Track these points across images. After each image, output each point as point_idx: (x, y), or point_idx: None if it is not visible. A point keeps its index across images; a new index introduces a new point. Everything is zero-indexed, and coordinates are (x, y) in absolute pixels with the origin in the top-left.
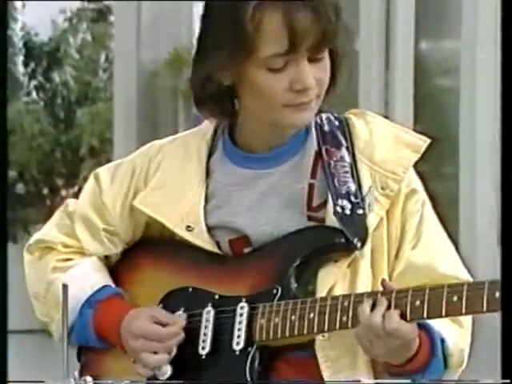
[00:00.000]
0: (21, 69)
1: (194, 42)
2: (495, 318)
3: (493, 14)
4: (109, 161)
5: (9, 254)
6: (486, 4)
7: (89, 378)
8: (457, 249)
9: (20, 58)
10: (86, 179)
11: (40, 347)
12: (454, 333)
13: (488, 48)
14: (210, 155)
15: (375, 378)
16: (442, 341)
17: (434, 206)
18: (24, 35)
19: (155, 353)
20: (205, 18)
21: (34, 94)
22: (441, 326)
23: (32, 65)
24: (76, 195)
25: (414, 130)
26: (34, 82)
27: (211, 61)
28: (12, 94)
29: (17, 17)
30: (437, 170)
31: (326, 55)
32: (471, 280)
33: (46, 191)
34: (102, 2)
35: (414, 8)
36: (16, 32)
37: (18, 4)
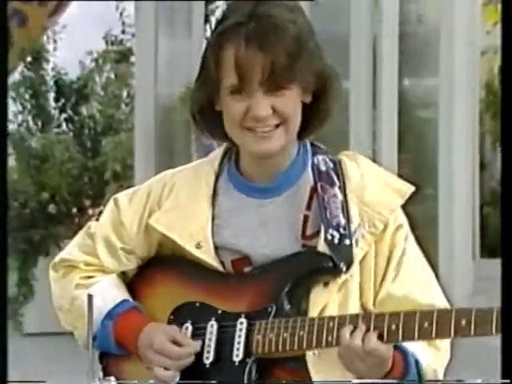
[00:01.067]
0: (52, 104)
1: None
2: None
3: (467, 53)
4: (130, 185)
5: (42, 266)
6: (461, 44)
7: (112, 378)
8: (436, 266)
9: (51, 95)
10: (110, 200)
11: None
12: (429, 355)
13: (463, 83)
14: (217, 179)
15: None
16: (417, 361)
17: (416, 225)
18: (55, 74)
19: (166, 369)
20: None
21: (64, 125)
22: (416, 348)
23: (62, 100)
24: (101, 214)
25: (399, 158)
26: (64, 115)
27: (196, 90)
28: (44, 126)
29: (48, 58)
30: (418, 192)
31: (291, 89)
32: (447, 305)
33: (74, 211)
34: (124, 45)
35: (398, 50)
36: (48, 72)
37: (50, 47)
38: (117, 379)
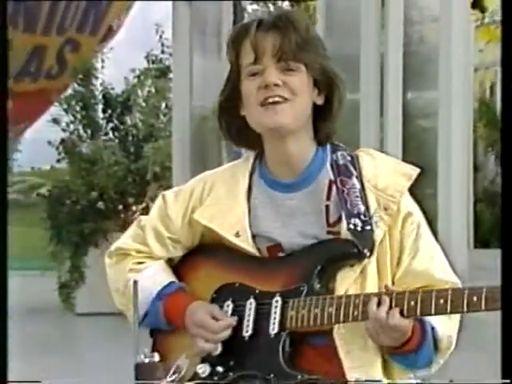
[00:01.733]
0: (100, 114)
1: None
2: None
3: (463, 70)
4: (169, 184)
5: (92, 255)
6: (458, 62)
7: (156, 354)
8: None
9: (100, 107)
10: (151, 198)
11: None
12: (443, 322)
13: (459, 96)
14: (250, 176)
15: (381, 355)
16: (433, 328)
17: None
18: (103, 89)
19: (207, 341)
20: None
21: (110, 133)
22: (432, 317)
23: (109, 111)
24: (143, 210)
25: (403, 161)
26: (110, 125)
27: (222, 96)
28: (93, 134)
29: (97, 75)
30: (419, 192)
31: (300, 71)
32: (458, 282)
33: (120, 207)
34: (163, 63)
35: (402, 67)
36: (96, 87)
37: (98, 65)
38: (165, 351)
